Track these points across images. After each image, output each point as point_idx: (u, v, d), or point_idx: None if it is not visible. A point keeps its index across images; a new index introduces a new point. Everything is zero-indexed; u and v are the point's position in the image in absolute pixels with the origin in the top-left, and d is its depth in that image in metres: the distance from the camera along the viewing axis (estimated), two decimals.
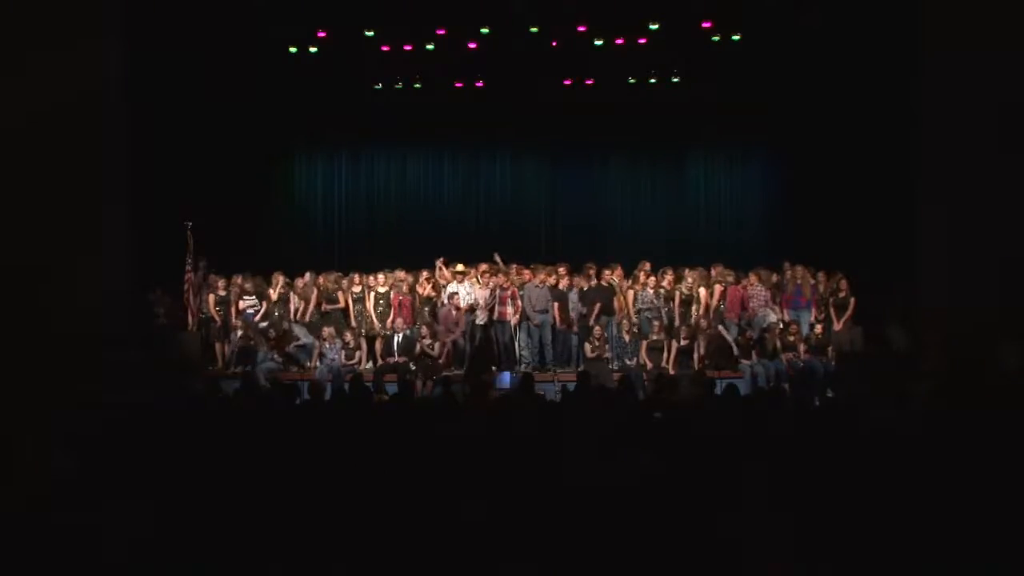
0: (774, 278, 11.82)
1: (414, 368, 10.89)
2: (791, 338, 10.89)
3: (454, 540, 3.76)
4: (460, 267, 12.06)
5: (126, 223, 10.20)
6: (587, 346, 11.14)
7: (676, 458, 4.65)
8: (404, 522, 3.88)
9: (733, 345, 11.02)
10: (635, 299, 11.65)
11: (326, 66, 12.94)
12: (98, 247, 9.80)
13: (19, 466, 4.52)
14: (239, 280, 11.73)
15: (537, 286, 11.43)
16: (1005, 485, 4.17)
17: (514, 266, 12.00)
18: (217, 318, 11.59)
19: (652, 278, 11.69)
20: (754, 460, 4.61)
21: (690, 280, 11.73)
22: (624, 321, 11.30)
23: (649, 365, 10.91)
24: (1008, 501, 4.00)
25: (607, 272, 11.94)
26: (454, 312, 11.34)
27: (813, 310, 11.46)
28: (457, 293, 11.51)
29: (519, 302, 11.50)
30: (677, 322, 11.43)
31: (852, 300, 11.21)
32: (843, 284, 11.35)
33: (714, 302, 11.53)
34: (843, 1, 11.34)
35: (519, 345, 11.63)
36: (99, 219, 9.90)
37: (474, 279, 11.89)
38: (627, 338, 11.22)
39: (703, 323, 11.15)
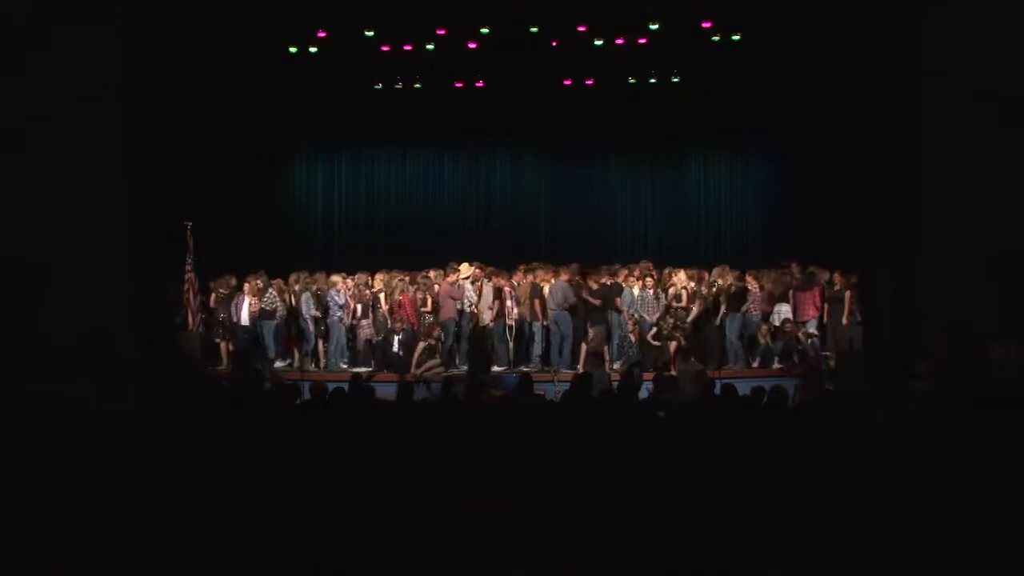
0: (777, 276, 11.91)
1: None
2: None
3: (454, 540, 3.76)
4: (462, 267, 12.07)
5: (126, 223, 10.21)
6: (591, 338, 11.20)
7: (677, 456, 4.65)
8: (404, 522, 3.88)
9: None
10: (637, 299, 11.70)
11: (326, 66, 12.93)
12: (98, 247, 9.82)
13: None
14: (254, 280, 11.84)
15: (568, 283, 11.51)
16: (1004, 484, 4.18)
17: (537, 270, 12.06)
18: (221, 316, 11.73)
19: (650, 279, 11.73)
20: (754, 458, 4.61)
21: (683, 276, 11.82)
22: (630, 321, 11.35)
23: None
24: (1008, 501, 4.01)
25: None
26: (453, 289, 11.50)
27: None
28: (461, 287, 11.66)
29: (509, 302, 11.54)
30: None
31: (847, 294, 11.23)
32: (837, 278, 11.40)
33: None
34: (843, 0, 11.33)
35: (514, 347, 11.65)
36: (99, 218, 9.92)
37: (475, 279, 11.90)
38: (633, 338, 11.28)
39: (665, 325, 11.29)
